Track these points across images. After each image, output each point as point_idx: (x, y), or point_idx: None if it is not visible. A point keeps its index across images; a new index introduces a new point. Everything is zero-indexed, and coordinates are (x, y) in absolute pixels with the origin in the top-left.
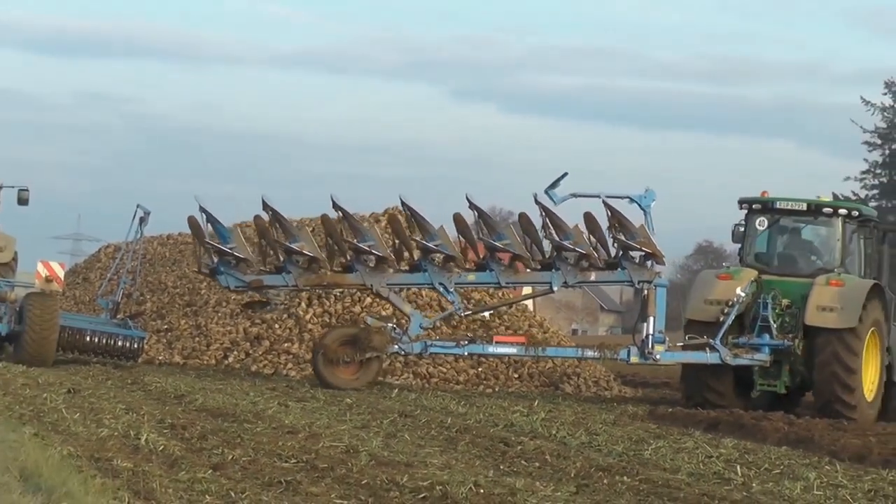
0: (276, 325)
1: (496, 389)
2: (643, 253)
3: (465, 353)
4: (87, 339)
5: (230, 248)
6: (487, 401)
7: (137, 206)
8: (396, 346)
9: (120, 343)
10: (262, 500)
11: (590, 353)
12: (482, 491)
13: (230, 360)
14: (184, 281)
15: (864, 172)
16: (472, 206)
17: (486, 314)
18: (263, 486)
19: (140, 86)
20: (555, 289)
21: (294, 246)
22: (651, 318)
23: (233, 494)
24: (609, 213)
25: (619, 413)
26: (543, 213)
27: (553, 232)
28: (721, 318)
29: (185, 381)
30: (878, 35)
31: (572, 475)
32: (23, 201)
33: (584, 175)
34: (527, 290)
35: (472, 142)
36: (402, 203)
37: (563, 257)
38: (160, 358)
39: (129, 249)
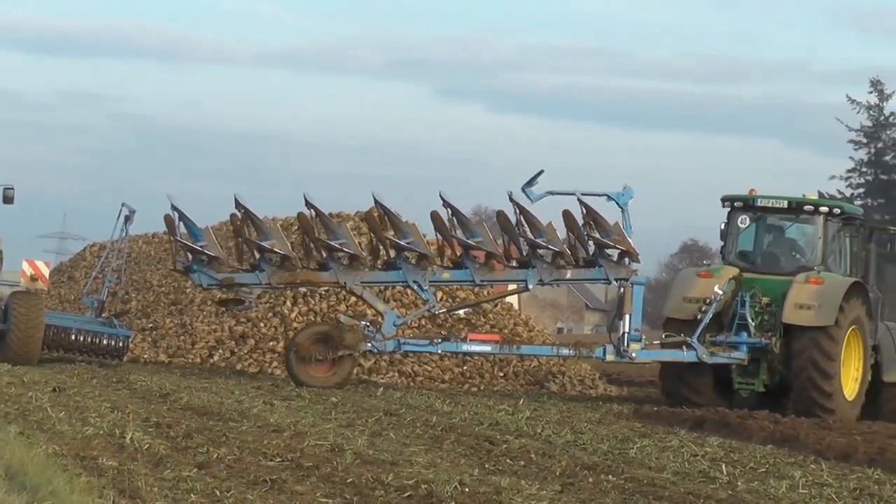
0: (262, 324)
1: (481, 388)
2: (620, 250)
3: (439, 351)
4: (73, 337)
5: (201, 247)
6: (472, 399)
7: (123, 204)
8: (369, 344)
9: (105, 342)
10: (248, 498)
11: (565, 352)
12: (467, 490)
13: (215, 358)
14: (169, 279)
15: (849, 171)
16: (446, 203)
17: (462, 312)
18: (248, 485)
19: (128, 85)
20: (530, 287)
21: (265, 244)
22: (627, 316)
23: (218, 493)
24: (584, 211)
25: (605, 412)
26: (517, 211)
27: (527, 230)
28: (699, 316)
29: (171, 379)
30: (865, 35)
31: (557, 474)
32: (8, 199)
33: (574, 174)
34: (513, 287)
35: (459, 141)
36: (375, 201)
37: (539, 255)
38: (145, 356)
39: (115, 248)
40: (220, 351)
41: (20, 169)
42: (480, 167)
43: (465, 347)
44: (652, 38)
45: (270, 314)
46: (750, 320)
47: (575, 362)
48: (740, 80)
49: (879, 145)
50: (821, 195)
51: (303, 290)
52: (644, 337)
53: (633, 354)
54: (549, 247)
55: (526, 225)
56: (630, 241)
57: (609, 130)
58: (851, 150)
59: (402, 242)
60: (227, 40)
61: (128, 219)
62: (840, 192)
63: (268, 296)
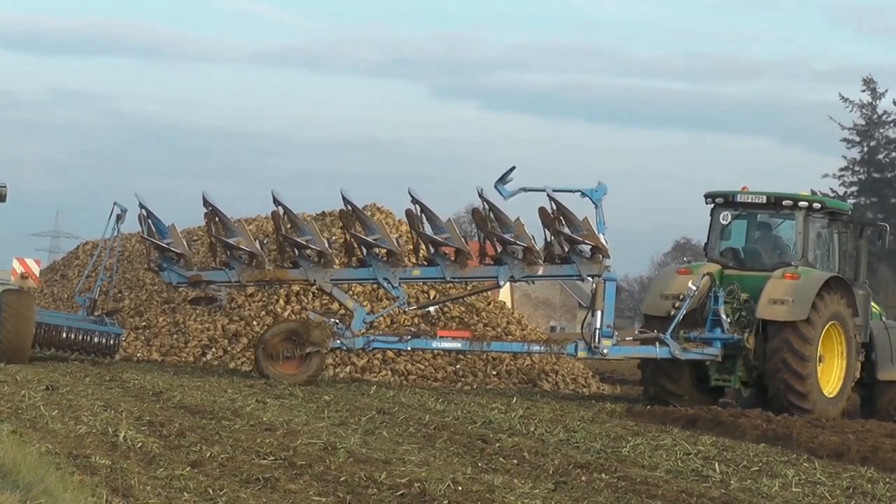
0: (255, 322)
1: (474, 386)
2: (590, 246)
3: (409, 348)
4: (64, 335)
5: (167, 244)
6: (465, 398)
7: (114, 203)
8: (338, 341)
9: (96, 339)
10: (241, 497)
11: (536, 348)
12: (460, 488)
13: (208, 357)
14: None
15: (842, 169)
16: (415, 200)
17: (432, 309)
18: (241, 483)
19: (122, 84)
20: (501, 283)
21: (231, 241)
22: (599, 312)
23: (211, 491)
24: (554, 207)
25: (598, 410)
26: (487, 208)
27: (497, 226)
28: (672, 312)
29: (164, 378)
30: (858, 33)
31: (550, 472)
32: (0, 198)
33: (567, 173)
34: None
35: (454, 139)
36: (343, 198)
37: (510, 251)
38: (138, 355)
39: (107, 247)
40: (213, 349)
41: (14, 167)
42: (475, 165)
43: (435, 344)
44: (646, 36)
45: (263, 312)
46: (724, 316)
47: (568, 361)
48: (734, 79)
49: (872, 143)
50: (813, 193)
51: (296, 288)
52: (616, 333)
53: (605, 351)
54: (518, 243)
55: (495, 221)
56: (601, 237)
57: (603, 128)
58: (844, 148)
59: (369, 239)
60: (222, 39)
61: (119, 218)
62: (833, 191)
63: (260, 294)
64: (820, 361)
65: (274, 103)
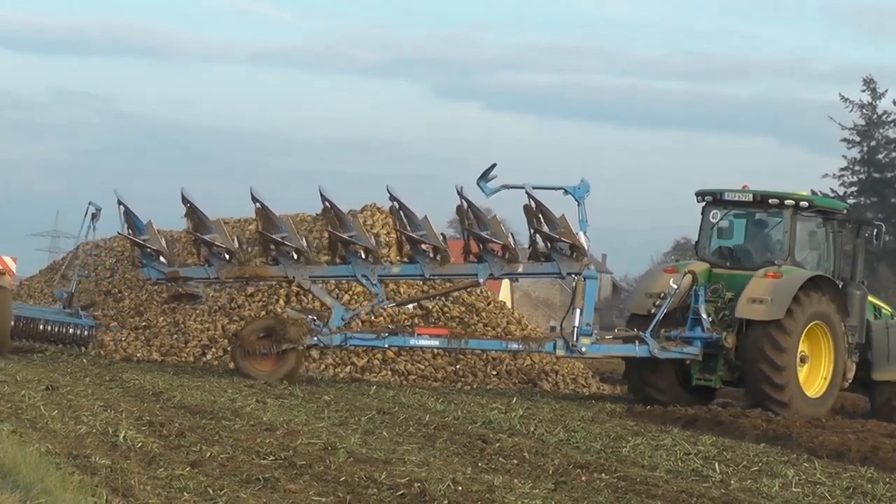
0: None
1: (474, 386)
2: (568, 244)
3: (386, 346)
4: (41, 327)
5: (143, 241)
6: (465, 398)
7: (89, 203)
8: (315, 338)
9: (70, 331)
10: (241, 497)
11: (514, 346)
12: (460, 488)
13: (208, 356)
14: None
15: (842, 169)
16: (393, 197)
17: (410, 307)
18: (241, 483)
19: (122, 84)
20: (481, 281)
21: (206, 238)
22: (578, 311)
23: (211, 491)
24: (533, 205)
25: (598, 410)
26: (466, 205)
27: (474, 224)
28: (652, 311)
29: (164, 378)
30: (859, 33)
31: (550, 472)
32: None
33: (568, 173)
34: (505, 284)
35: (455, 139)
36: (321, 195)
37: (490, 249)
38: (138, 355)
39: (87, 245)
40: (213, 349)
41: (14, 167)
42: (475, 165)
43: (413, 342)
44: (646, 36)
45: (263, 312)
46: (704, 315)
47: (568, 361)
48: (734, 79)
49: (872, 144)
50: (812, 193)
51: (296, 287)
52: (596, 331)
53: (584, 349)
54: (495, 240)
55: (474, 219)
56: (580, 235)
57: (603, 128)
58: (844, 148)
59: (345, 236)
60: (222, 39)
61: (94, 217)
62: (833, 191)
63: (260, 294)
64: (804, 362)
65: (274, 103)
